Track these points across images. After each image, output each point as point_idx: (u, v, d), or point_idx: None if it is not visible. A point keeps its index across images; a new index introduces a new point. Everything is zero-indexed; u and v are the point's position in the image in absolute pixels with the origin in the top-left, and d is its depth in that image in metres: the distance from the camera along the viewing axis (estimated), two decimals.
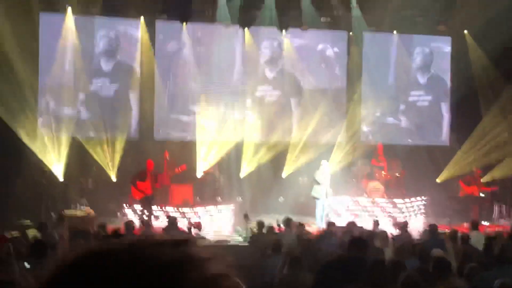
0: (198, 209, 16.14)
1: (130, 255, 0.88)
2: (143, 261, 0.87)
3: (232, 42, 18.87)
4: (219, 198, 17.30)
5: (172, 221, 11.71)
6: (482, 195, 16.81)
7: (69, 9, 17.24)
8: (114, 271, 0.86)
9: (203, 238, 13.04)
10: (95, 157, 17.18)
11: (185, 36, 18.34)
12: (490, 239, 8.69)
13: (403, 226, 11.60)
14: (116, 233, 9.39)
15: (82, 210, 14.89)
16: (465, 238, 9.49)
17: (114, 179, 17.33)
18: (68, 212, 14.53)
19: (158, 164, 16.03)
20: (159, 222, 14.81)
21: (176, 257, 0.89)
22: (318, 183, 15.54)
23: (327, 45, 19.55)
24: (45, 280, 0.89)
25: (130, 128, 18.08)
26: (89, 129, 17.72)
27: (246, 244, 12.12)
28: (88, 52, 17.84)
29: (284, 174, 18.83)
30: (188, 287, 0.86)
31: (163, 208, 15.82)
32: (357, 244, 6.32)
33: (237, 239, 13.59)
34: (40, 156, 16.53)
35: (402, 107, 20.29)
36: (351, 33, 19.43)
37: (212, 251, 0.94)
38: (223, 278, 0.91)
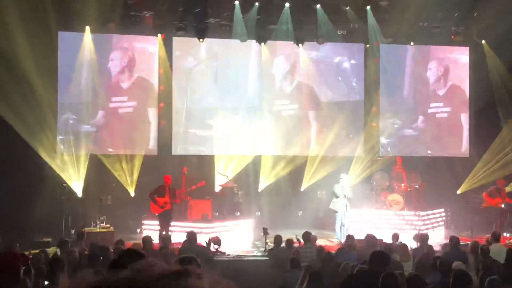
0: (217, 224, 16.12)
1: None
2: None
3: (249, 57, 18.95)
4: (238, 213, 17.28)
5: (191, 236, 11.70)
6: (502, 206, 16.54)
7: (87, 28, 17.42)
8: None
9: (223, 253, 13.06)
10: (114, 173, 17.31)
11: (202, 52, 18.45)
12: (511, 252, 8.56)
13: (423, 239, 11.48)
14: (132, 251, 9.39)
15: (101, 227, 14.96)
16: (486, 251, 9.36)
17: (132, 194, 17.42)
18: (87, 229, 14.62)
19: (176, 179, 16.10)
20: (178, 237, 14.83)
21: None
22: (337, 197, 15.47)
23: (343, 57, 19.56)
24: None
25: (149, 144, 18.18)
26: (108, 145, 17.87)
27: (265, 258, 12.09)
28: (106, 70, 18.01)
29: (302, 188, 18.79)
30: None
31: (182, 223, 15.85)
32: (378, 257, 6.25)
33: (256, 254, 13.54)
34: (59, 173, 16.69)
35: (420, 118, 20.18)
36: (367, 45, 19.40)
37: (214, 280, 0.92)
38: None
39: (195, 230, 12.72)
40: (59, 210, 15.81)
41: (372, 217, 17.33)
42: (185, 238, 12.06)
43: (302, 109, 19.33)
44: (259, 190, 18.59)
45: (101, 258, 9.44)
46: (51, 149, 16.94)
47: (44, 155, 16.48)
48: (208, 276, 0.93)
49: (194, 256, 3.65)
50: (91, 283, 0.90)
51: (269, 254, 11.65)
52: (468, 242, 11.92)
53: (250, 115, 19.09)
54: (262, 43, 18.63)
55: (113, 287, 0.88)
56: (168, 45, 18.32)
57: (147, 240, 11.47)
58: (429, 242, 11.89)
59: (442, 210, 18.16)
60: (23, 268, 6.92)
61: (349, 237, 12.23)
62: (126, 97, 18.19)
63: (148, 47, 18.42)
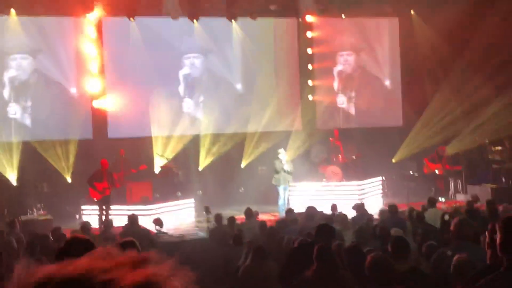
0: (158, 205, 16.00)
1: (89, 284, 0.83)
2: None
3: (182, 34, 18.70)
4: (179, 193, 17.19)
5: (132, 219, 11.55)
6: (437, 171, 17.04)
7: (13, 10, 16.78)
8: None
9: (165, 233, 12.98)
10: (49, 160, 16.86)
11: (134, 31, 18.06)
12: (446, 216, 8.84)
13: (359, 207, 11.71)
14: (79, 238, 9.21)
15: (38, 214, 14.59)
16: (421, 216, 9.62)
17: (69, 180, 17.05)
18: (24, 217, 14.23)
19: (114, 163, 15.86)
20: (119, 221, 14.65)
21: (137, 281, 0.84)
22: (277, 172, 15.59)
23: (277, 32, 19.53)
24: None
25: (83, 129, 17.74)
26: (41, 132, 17.38)
27: (208, 237, 12.09)
28: (34, 53, 17.45)
29: (243, 165, 18.84)
30: None
31: (122, 206, 15.66)
32: (323, 231, 6.36)
33: (199, 233, 13.52)
34: None
35: (353, 92, 20.51)
36: (300, 19, 19.47)
37: (171, 267, 0.89)
38: None
39: (136, 213, 12.56)
40: None
41: (312, 189, 17.59)
42: (127, 222, 11.91)
43: (238, 85, 19.26)
44: (200, 169, 18.52)
45: (39, 246, 9.21)
46: None
47: None
48: (166, 263, 0.91)
49: (133, 240, 3.60)
50: (46, 273, 0.85)
51: (211, 232, 11.65)
52: (405, 209, 12.24)
53: (187, 94, 18.96)
54: (195, 20, 18.39)
55: (69, 277, 0.84)
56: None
57: (85, 226, 11.27)
58: (369, 210, 12.18)
59: (379, 179, 18.59)
60: None
61: (289, 210, 12.36)
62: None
63: (72, 29, 17.87)
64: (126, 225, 11.72)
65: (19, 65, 17.45)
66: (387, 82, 20.81)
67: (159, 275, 0.87)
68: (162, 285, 0.86)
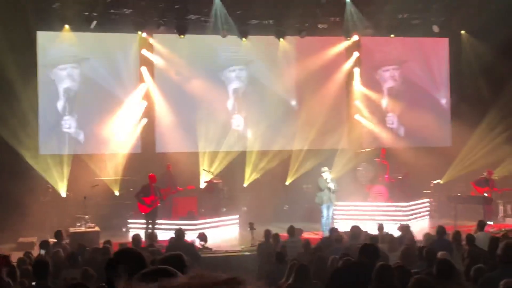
0: (203, 220, 16.13)
1: None
2: None
3: (230, 50, 18.93)
4: (224, 208, 17.29)
5: (179, 233, 11.55)
6: (486, 194, 16.63)
7: (66, 26, 17.26)
8: None
9: (210, 249, 13.06)
10: (98, 173, 17.18)
11: (183, 47, 18.34)
12: (495, 239, 8.64)
13: (405, 229, 11.56)
14: (126, 250, 9.36)
15: (86, 226, 14.86)
16: (470, 239, 9.43)
17: (117, 193, 17.34)
18: (72, 229, 14.53)
19: (161, 178, 16.15)
20: (164, 235, 14.84)
21: None
22: (321, 190, 15.49)
23: (325, 50, 19.51)
24: None
25: (132, 143, 18.05)
26: (91, 145, 17.77)
27: (253, 253, 12.10)
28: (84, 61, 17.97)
29: (288, 182, 18.82)
30: None
31: (167, 221, 15.85)
32: (367, 250, 6.30)
33: (243, 249, 13.54)
34: (42, 173, 16.61)
35: (402, 109, 20.31)
36: (348, 38, 19.45)
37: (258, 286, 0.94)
38: None
39: (181, 227, 12.66)
40: (44, 211, 15.74)
41: (357, 209, 17.45)
42: (173, 235, 12.02)
43: (285, 103, 19.32)
44: (245, 185, 18.58)
45: (79, 258, 9.41)
46: (34, 149, 16.83)
47: (27, 156, 16.38)
48: (253, 283, 0.96)
49: (181, 253, 3.64)
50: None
51: (258, 248, 11.66)
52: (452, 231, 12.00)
53: (233, 110, 19.17)
54: (243, 38, 18.57)
55: None
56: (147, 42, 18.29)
57: (136, 238, 11.44)
58: (414, 232, 12.00)
59: (426, 200, 18.32)
60: (5, 269, 6.85)
61: (333, 229, 12.27)
62: None
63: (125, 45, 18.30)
64: (171, 238, 11.82)
65: (70, 75, 17.88)
66: (438, 99, 20.54)
67: None
68: None
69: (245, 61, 19.19)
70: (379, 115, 20.11)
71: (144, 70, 18.28)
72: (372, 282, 5.20)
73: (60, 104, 17.80)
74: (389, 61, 20.38)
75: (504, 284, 4.87)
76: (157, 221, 15.05)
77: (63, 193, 16.80)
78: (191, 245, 11.80)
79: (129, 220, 16.28)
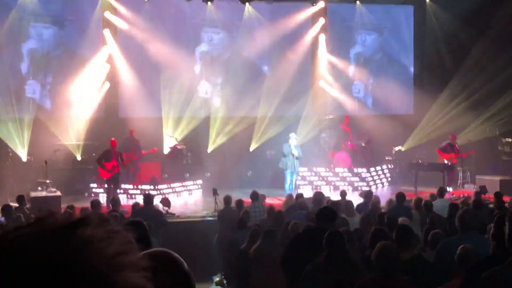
0: (166, 186, 16.11)
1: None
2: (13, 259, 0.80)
3: (195, 16, 18.67)
4: (187, 174, 17.28)
5: (148, 198, 11.39)
6: (446, 161, 16.91)
7: None
8: None
9: (173, 214, 13.07)
10: (59, 137, 16.91)
11: (148, 10, 18.03)
12: (455, 206, 8.83)
13: (367, 195, 11.72)
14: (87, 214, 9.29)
15: (48, 191, 14.66)
16: (429, 206, 9.62)
17: (79, 158, 17.10)
18: (33, 193, 14.32)
19: (124, 143, 16.03)
20: (127, 200, 14.81)
21: (60, 247, 0.82)
22: (285, 156, 15.59)
23: (291, 16, 19.37)
24: None
25: (95, 107, 17.79)
26: (52, 108, 17.48)
27: (215, 219, 12.15)
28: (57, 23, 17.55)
29: (251, 148, 18.85)
30: (86, 273, 0.81)
31: (131, 186, 15.80)
32: (324, 215, 6.34)
33: (207, 214, 13.58)
34: (2, 138, 16.32)
35: (367, 78, 20.42)
36: (313, 4, 19.37)
37: (110, 229, 0.88)
38: (124, 255, 0.85)
39: (144, 192, 12.63)
40: (3, 175, 15.48)
41: (320, 175, 17.65)
42: (136, 201, 11.96)
43: (250, 70, 19.20)
44: (209, 151, 18.55)
45: None
46: None
47: None
48: (108, 225, 0.90)
49: (141, 221, 3.62)
50: None
51: (219, 214, 11.70)
52: (413, 198, 12.22)
53: (199, 75, 18.99)
54: (209, 2, 18.33)
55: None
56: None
57: (96, 203, 11.34)
58: (373, 198, 12.17)
59: (388, 166, 18.62)
60: None
61: (298, 195, 12.38)
62: None
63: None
64: (134, 203, 11.76)
65: (40, 35, 17.46)
66: (406, 67, 20.68)
67: (92, 236, 0.86)
68: (97, 245, 0.84)
69: (211, 26, 18.96)
70: (344, 82, 20.14)
71: (107, 32, 17.94)
72: (324, 247, 5.26)
73: (24, 67, 17.40)
74: (356, 28, 20.37)
75: (461, 249, 5.00)
76: (121, 186, 14.97)
77: (24, 157, 16.53)
78: (159, 211, 11.73)
79: (92, 185, 16.14)
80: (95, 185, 16.05)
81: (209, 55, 19.09)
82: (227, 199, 11.74)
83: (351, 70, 20.42)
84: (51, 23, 17.52)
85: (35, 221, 0.87)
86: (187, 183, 16.88)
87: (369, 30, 20.42)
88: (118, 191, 14.75)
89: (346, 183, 17.23)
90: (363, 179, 17.54)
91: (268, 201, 12.91)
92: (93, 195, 15.62)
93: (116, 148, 14.62)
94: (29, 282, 0.79)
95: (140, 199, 13.03)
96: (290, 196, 12.68)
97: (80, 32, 17.63)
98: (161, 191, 15.69)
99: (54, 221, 0.86)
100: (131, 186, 15.79)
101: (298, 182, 16.67)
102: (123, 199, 14.59)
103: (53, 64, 17.60)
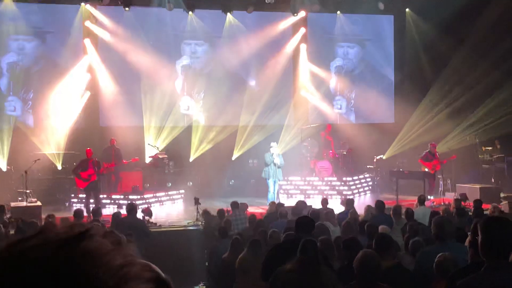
0: (148, 195, 16.04)
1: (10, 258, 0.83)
2: (21, 268, 0.82)
3: (176, 26, 18.67)
4: (169, 183, 17.22)
5: (131, 208, 11.28)
6: (427, 169, 17.00)
7: None
8: None
9: (154, 224, 13.00)
10: (39, 146, 16.78)
11: (129, 20, 17.98)
12: (436, 214, 8.90)
13: (348, 204, 11.75)
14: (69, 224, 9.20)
15: (28, 201, 14.52)
16: (409, 213, 9.68)
17: (59, 167, 16.98)
18: (13, 203, 14.19)
19: (105, 152, 15.94)
20: (108, 210, 14.69)
21: (64, 258, 0.83)
22: (267, 165, 15.63)
23: (272, 26, 19.45)
24: None
25: (76, 116, 17.68)
26: (33, 117, 17.35)
27: (198, 228, 12.14)
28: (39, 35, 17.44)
29: (234, 157, 18.85)
30: (94, 286, 0.82)
31: (112, 195, 15.71)
32: (303, 223, 6.37)
33: (189, 223, 13.53)
34: None
35: (349, 91, 20.54)
36: (295, 14, 19.45)
37: (113, 241, 0.89)
38: (129, 266, 0.86)
39: (123, 202, 12.56)
40: None
41: (302, 184, 17.68)
42: (116, 210, 11.88)
43: (232, 79, 19.21)
44: (190, 160, 18.51)
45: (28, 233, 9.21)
46: None
47: None
48: (112, 237, 0.91)
49: (113, 230, 3.60)
50: None
51: (203, 223, 11.72)
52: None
53: (182, 84, 18.97)
54: (190, 12, 18.36)
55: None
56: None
57: (79, 213, 11.24)
58: (358, 206, 12.21)
59: (369, 175, 18.72)
60: None
61: (279, 204, 12.39)
62: None
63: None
64: (114, 213, 11.66)
65: (22, 49, 17.34)
66: (386, 76, 20.83)
67: (98, 248, 0.87)
68: (102, 258, 0.85)
69: (192, 36, 18.97)
70: (326, 91, 20.23)
71: (87, 42, 17.88)
72: (298, 254, 5.29)
73: (3, 82, 17.27)
74: (337, 40, 20.49)
75: (439, 257, 5.04)
76: (101, 196, 14.87)
77: (4, 167, 16.38)
78: (142, 221, 11.66)
79: (72, 195, 16.02)
80: (75, 194, 15.94)
81: (191, 68, 19.08)
82: (206, 214, 11.86)
83: (333, 82, 20.50)
84: (33, 35, 17.40)
85: (38, 233, 0.88)
86: (169, 192, 16.82)
87: (351, 42, 20.56)
88: (99, 200, 14.64)
89: (330, 191, 17.27)
90: (345, 188, 17.59)
91: (251, 210, 12.91)
92: (73, 205, 15.50)
93: (92, 157, 14.53)
94: None
95: (120, 209, 12.95)
96: (273, 204, 12.69)
97: (62, 42, 17.56)
98: (146, 200, 15.65)
99: (57, 234, 0.87)
100: (113, 196, 15.69)
101: (281, 191, 16.70)
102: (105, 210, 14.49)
103: (34, 78, 17.46)
